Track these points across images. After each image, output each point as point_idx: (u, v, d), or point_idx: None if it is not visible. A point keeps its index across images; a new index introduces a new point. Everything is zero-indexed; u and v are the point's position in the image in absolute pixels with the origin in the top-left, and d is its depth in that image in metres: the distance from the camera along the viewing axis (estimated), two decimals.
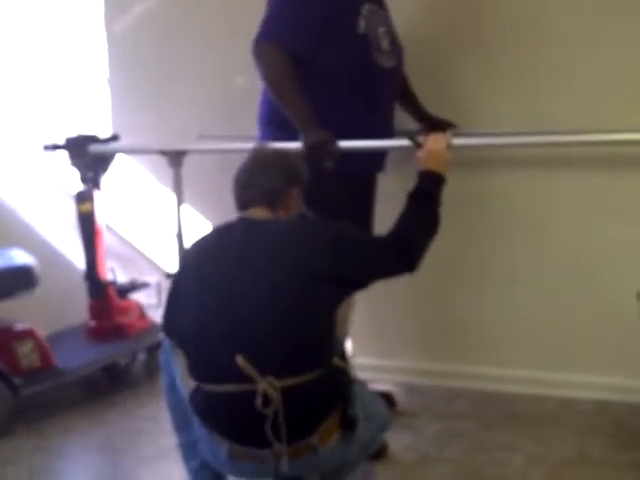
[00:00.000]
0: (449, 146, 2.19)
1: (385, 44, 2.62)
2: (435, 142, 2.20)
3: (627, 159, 2.65)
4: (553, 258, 2.97)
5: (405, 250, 1.99)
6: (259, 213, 1.96)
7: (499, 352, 3.09)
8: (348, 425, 1.83)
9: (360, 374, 2.71)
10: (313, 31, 2.51)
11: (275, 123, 2.61)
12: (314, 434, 1.79)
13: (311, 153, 2.42)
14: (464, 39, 2.99)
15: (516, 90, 2.92)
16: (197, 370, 1.90)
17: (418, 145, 2.22)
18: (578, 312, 2.95)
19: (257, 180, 1.98)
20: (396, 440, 2.57)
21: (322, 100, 2.52)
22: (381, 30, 2.62)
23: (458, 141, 2.24)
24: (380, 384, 3.04)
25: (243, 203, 1.99)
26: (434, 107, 2.90)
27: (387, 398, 2.82)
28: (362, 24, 2.57)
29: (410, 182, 2.10)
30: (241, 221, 1.98)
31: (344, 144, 2.47)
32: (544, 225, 2.98)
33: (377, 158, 2.74)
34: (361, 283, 1.94)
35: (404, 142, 2.38)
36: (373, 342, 3.24)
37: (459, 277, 3.12)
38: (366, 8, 2.60)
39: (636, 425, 2.65)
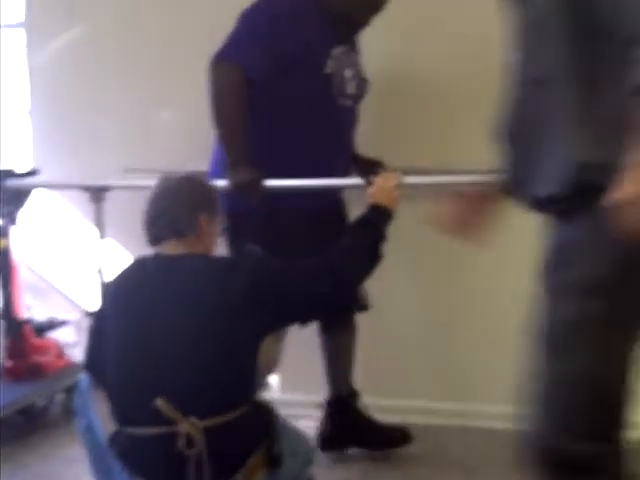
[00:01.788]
0: (399, 185, 2.21)
1: (351, 87, 2.58)
2: (385, 180, 2.22)
3: None
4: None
5: (330, 274, 1.92)
6: (172, 247, 1.91)
7: (414, 383, 3.10)
8: (273, 463, 1.81)
9: (286, 410, 2.70)
10: (278, 62, 2.43)
11: None
12: (238, 473, 1.76)
13: (236, 191, 2.40)
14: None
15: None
16: (118, 412, 1.85)
17: (369, 183, 2.24)
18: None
19: (161, 213, 1.92)
20: (327, 475, 2.54)
21: (275, 132, 2.49)
22: (348, 73, 2.56)
23: (408, 180, 2.29)
24: (307, 420, 3.01)
25: (154, 238, 1.94)
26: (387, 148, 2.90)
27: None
28: (330, 65, 2.51)
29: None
30: (155, 258, 1.93)
31: (272, 183, 2.40)
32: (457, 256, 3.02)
33: (329, 194, 2.69)
34: (290, 314, 1.92)
35: (355, 181, 2.49)
36: (300, 377, 3.21)
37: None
38: (337, 50, 2.54)
39: None
